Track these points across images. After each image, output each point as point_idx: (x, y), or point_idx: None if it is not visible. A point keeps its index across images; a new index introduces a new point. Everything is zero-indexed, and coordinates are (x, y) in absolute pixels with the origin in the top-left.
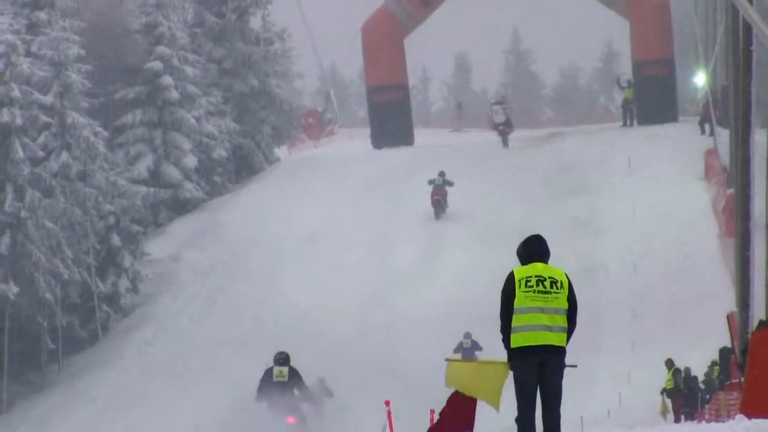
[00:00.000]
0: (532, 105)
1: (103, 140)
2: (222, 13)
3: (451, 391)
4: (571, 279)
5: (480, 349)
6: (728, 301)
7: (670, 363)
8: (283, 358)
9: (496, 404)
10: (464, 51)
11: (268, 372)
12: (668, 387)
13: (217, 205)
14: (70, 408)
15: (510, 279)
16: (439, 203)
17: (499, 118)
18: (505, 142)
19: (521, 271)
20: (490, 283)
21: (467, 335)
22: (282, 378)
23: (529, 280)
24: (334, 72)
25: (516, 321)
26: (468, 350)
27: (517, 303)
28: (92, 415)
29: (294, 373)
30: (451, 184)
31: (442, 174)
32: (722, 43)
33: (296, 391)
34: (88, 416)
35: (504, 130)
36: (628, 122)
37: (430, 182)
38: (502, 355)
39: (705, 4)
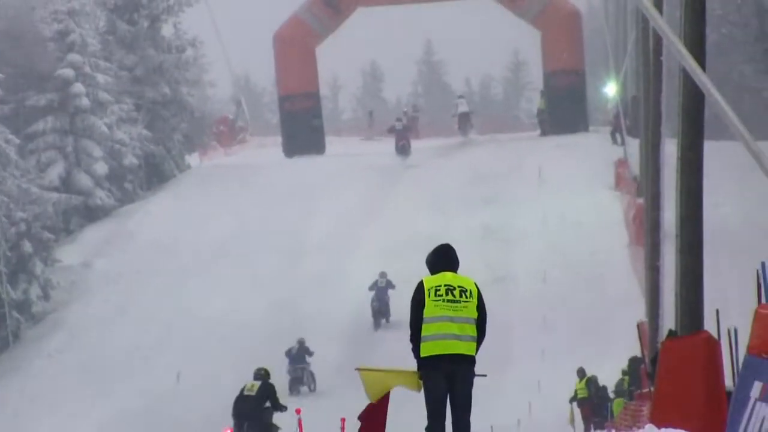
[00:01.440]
0: (444, 115)
1: (15, 147)
2: (134, 20)
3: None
4: (481, 288)
5: (393, 287)
6: (638, 311)
7: (581, 372)
8: (259, 374)
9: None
10: (376, 60)
11: (244, 387)
12: (580, 396)
13: (128, 213)
14: None
15: (419, 288)
16: (403, 148)
17: (463, 108)
18: (465, 131)
19: (430, 281)
20: (401, 292)
21: (383, 274)
22: (250, 392)
23: (439, 289)
24: (247, 80)
25: (425, 330)
26: (383, 289)
27: (427, 312)
28: (1, 423)
29: (266, 388)
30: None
31: (401, 117)
32: (633, 54)
33: (268, 403)
34: None
35: (467, 117)
36: (545, 131)
37: (391, 130)
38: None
39: (615, 14)
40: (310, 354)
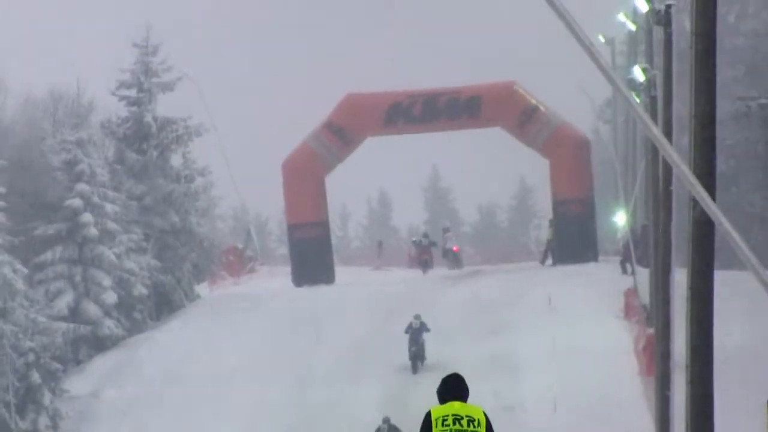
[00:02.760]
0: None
1: (23, 277)
2: (143, 150)
3: None
4: (489, 417)
5: (428, 330)
6: None
7: None
8: None
9: None
10: (384, 188)
11: None
12: None
13: (137, 342)
14: None
15: (427, 418)
16: (426, 263)
17: (451, 243)
18: (459, 265)
19: (438, 410)
20: (411, 421)
21: (417, 316)
22: None
23: (446, 419)
24: (255, 209)
25: None
26: (417, 331)
27: None
28: None
29: None
30: (435, 244)
31: (426, 235)
32: (642, 182)
33: None
34: None
35: (454, 254)
36: (549, 261)
37: (416, 243)
38: None
39: (625, 142)
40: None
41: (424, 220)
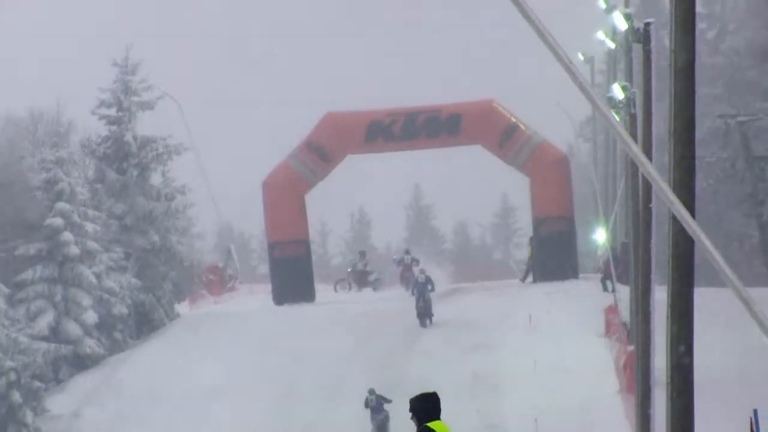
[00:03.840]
0: (433, 260)
1: (3, 297)
2: (123, 169)
3: None
4: None
5: (432, 284)
6: None
7: None
8: None
9: None
10: (364, 206)
11: None
12: None
13: (118, 361)
14: None
15: None
16: (408, 280)
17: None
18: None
19: (440, 427)
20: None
21: (422, 270)
22: None
23: None
24: (234, 227)
25: None
26: (423, 285)
27: None
28: None
29: None
30: (417, 262)
31: (408, 252)
32: (622, 200)
33: None
34: None
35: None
36: (530, 279)
37: (398, 262)
38: None
39: (605, 160)
40: (388, 401)
41: (404, 239)
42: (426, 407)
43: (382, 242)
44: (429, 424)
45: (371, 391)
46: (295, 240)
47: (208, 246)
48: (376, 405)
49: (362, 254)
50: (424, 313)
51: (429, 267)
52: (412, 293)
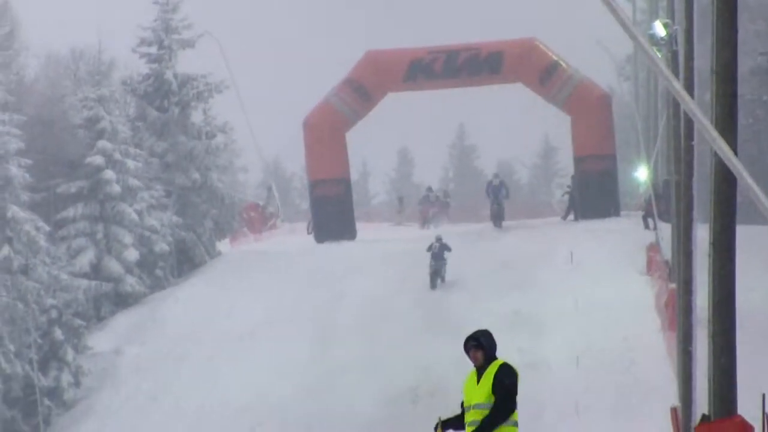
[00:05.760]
0: (475, 200)
1: (45, 234)
2: (164, 107)
3: None
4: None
5: (449, 249)
6: (671, 396)
7: None
8: None
9: None
10: (406, 145)
11: None
12: None
13: (159, 299)
14: None
15: (517, 378)
16: (427, 218)
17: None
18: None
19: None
20: (434, 375)
21: (438, 238)
22: None
23: None
24: (277, 165)
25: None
26: (438, 253)
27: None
28: None
29: None
30: (441, 198)
31: (430, 189)
32: (663, 137)
33: None
34: None
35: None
36: (571, 217)
37: (429, 249)
38: None
39: (646, 97)
40: (449, 249)
41: (440, 178)
42: (494, 343)
43: (424, 181)
44: (504, 361)
45: (438, 238)
46: (335, 178)
47: (251, 180)
48: (438, 252)
49: (400, 200)
50: (436, 273)
51: (470, 205)
52: (428, 251)
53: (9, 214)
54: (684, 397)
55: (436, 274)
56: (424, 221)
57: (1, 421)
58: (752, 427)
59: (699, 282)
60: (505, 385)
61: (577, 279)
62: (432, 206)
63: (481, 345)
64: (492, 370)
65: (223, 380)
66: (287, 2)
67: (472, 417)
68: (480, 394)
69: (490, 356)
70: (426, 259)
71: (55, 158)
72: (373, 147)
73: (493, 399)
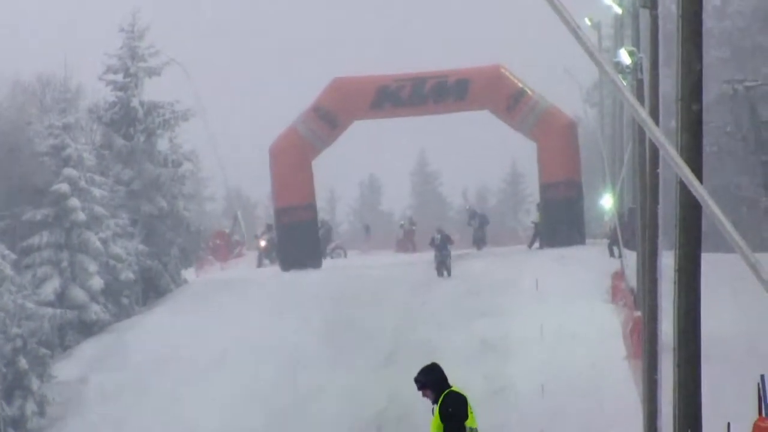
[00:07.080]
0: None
1: (10, 262)
2: (130, 135)
3: None
4: (478, 401)
5: (452, 242)
6: (637, 423)
7: None
8: None
9: None
10: (374, 172)
11: None
12: None
13: (124, 328)
14: None
15: (464, 402)
16: (405, 246)
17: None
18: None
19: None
20: (400, 402)
21: (439, 230)
22: None
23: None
24: (241, 193)
25: None
26: (439, 246)
27: (469, 423)
28: None
29: None
30: (451, 241)
31: (440, 230)
32: (629, 165)
33: None
34: None
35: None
36: (536, 245)
37: (402, 227)
38: None
39: (612, 125)
40: (451, 242)
41: (408, 205)
42: (439, 377)
43: (392, 209)
44: (460, 389)
45: (439, 230)
46: (302, 206)
47: (218, 209)
48: (441, 244)
49: (366, 228)
50: (442, 264)
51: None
52: (431, 245)
53: None
54: (649, 425)
55: (442, 265)
56: (404, 251)
57: None
58: None
59: (664, 310)
60: (449, 413)
61: (543, 306)
62: (409, 236)
63: (424, 385)
64: (439, 402)
65: (189, 409)
66: (254, 28)
67: None
68: (434, 427)
69: (439, 390)
70: (429, 257)
71: (21, 186)
72: (339, 175)
73: (442, 429)
